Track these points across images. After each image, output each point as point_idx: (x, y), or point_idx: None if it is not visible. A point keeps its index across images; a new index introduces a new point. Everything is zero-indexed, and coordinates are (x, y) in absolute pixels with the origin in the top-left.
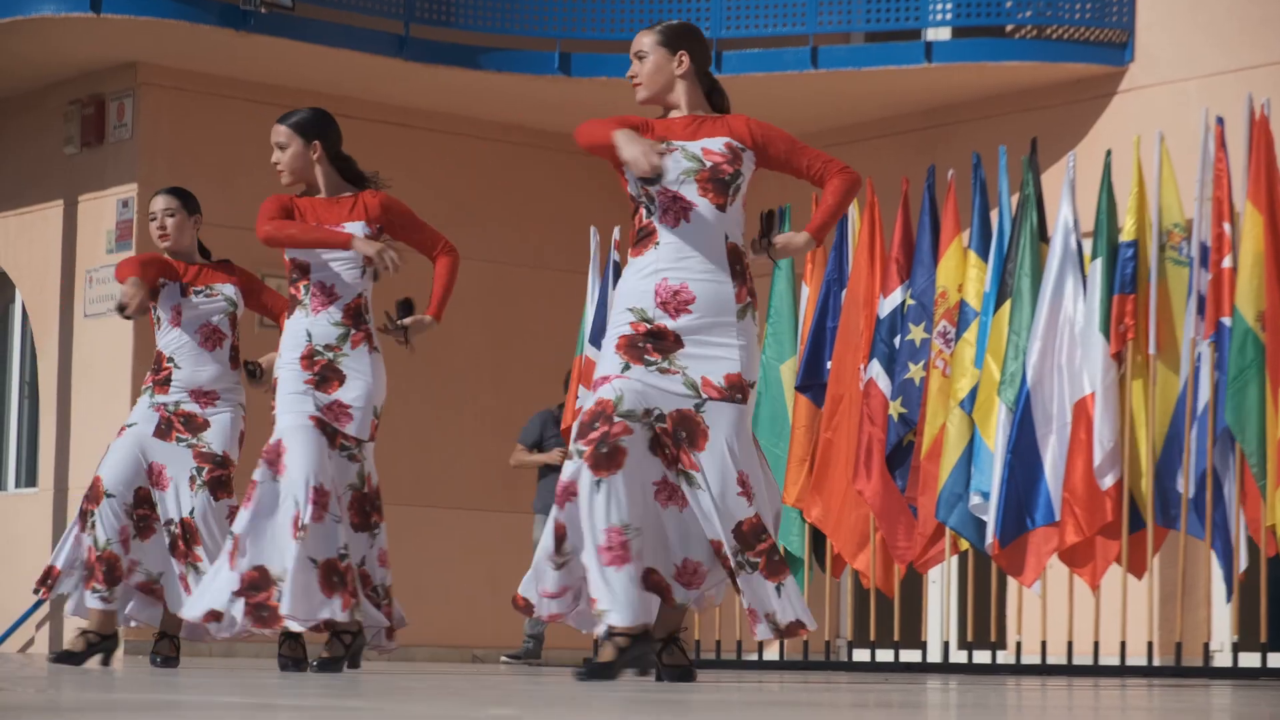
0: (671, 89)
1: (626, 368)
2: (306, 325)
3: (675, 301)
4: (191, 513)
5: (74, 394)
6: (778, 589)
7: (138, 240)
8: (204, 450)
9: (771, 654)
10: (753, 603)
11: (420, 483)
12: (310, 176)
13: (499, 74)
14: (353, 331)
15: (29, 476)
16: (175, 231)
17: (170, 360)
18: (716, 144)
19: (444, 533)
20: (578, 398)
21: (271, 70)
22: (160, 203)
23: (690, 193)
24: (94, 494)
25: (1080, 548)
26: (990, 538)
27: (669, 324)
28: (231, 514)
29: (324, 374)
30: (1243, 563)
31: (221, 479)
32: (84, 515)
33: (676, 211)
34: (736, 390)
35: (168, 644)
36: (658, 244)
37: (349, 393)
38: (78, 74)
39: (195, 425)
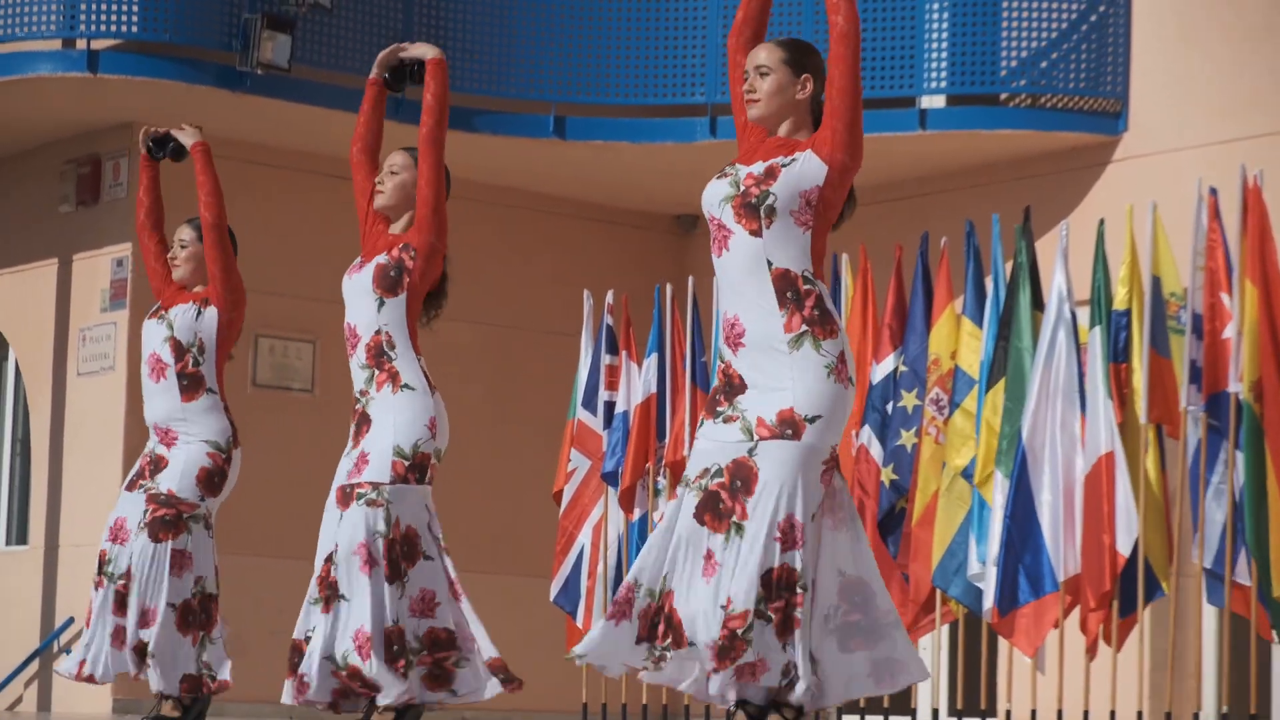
0: (787, 115)
1: (701, 424)
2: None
3: (733, 335)
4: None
5: (66, 452)
6: (784, 647)
7: (132, 299)
8: (153, 491)
9: None
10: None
11: None
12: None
13: (494, 136)
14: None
15: (19, 534)
16: (184, 264)
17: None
18: (760, 167)
19: None
20: (570, 461)
21: (267, 131)
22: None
23: (729, 219)
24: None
25: (1089, 616)
26: (989, 604)
27: (734, 361)
28: (174, 558)
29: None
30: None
31: (164, 519)
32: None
33: (720, 240)
34: (788, 426)
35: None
36: (716, 278)
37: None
38: (74, 133)
39: (160, 468)
